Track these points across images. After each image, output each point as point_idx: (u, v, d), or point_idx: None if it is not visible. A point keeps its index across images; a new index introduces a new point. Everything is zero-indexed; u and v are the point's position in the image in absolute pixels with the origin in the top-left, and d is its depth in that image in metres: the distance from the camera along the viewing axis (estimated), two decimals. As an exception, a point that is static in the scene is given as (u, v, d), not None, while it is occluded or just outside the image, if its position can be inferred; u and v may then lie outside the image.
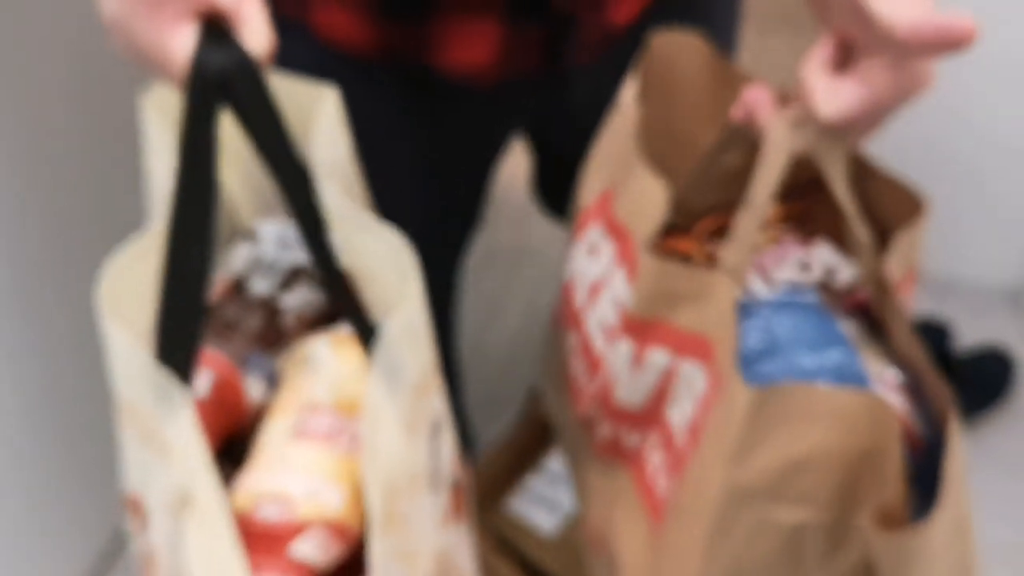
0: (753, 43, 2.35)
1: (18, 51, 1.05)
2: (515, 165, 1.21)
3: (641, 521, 0.63)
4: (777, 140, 0.57)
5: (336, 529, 0.50)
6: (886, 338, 0.62)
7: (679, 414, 0.60)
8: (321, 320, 0.62)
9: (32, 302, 1.14)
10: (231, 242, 0.63)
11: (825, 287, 0.64)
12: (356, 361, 0.54)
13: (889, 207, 0.62)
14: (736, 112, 0.63)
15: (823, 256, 0.65)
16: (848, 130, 0.56)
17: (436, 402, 0.53)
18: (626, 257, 0.63)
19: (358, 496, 0.51)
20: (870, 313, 0.64)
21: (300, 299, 0.59)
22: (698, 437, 0.56)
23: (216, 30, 0.46)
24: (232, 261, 0.60)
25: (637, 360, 0.62)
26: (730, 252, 0.59)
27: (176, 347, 0.48)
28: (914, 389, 0.58)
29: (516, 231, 1.92)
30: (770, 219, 0.69)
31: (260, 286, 0.59)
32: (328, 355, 0.54)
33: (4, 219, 1.08)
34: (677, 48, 0.69)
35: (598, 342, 0.66)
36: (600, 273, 0.66)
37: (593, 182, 0.70)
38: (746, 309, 0.63)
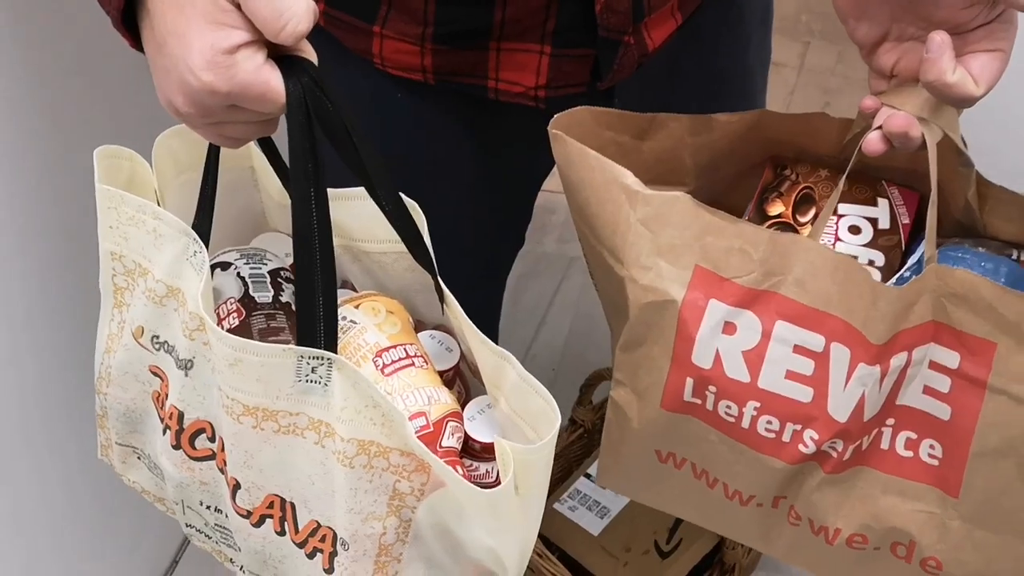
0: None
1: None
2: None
3: (913, 492, 0.71)
4: (929, 133, 0.67)
5: (458, 415, 0.66)
6: None
7: (912, 394, 0.69)
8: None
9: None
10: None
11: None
12: (373, 310, 0.69)
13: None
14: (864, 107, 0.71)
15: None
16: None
17: None
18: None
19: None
20: None
21: (290, 294, 0.72)
22: (969, 396, 0.67)
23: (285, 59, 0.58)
24: (226, 290, 0.70)
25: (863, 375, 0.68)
26: (927, 248, 0.68)
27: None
28: None
29: (562, 240, 1.94)
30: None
31: (263, 297, 0.71)
32: (354, 314, 0.68)
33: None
34: (579, 125, 0.74)
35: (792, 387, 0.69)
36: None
37: (665, 283, 0.70)
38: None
